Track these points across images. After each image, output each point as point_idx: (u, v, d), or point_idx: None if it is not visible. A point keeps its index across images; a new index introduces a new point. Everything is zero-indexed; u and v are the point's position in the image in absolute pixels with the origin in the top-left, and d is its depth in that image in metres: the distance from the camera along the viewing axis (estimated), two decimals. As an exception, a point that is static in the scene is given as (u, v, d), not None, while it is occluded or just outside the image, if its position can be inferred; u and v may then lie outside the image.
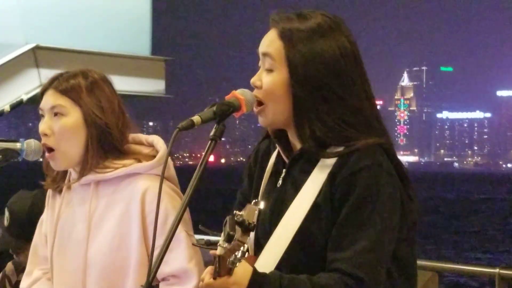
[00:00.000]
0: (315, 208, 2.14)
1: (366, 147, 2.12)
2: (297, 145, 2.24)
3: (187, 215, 2.58)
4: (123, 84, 11.92)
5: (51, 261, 2.66)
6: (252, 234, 2.30)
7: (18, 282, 3.50)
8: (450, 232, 41.01)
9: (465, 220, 48.80)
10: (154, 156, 2.60)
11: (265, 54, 2.21)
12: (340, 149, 2.14)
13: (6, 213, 3.40)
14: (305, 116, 2.16)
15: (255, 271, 1.99)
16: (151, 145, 2.66)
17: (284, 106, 2.19)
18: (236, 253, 1.85)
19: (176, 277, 2.54)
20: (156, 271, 1.95)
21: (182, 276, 2.52)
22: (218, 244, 1.87)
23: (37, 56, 10.99)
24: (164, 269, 2.50)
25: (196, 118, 2.03)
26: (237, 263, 1.88)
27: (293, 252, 2.14)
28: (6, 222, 3.45)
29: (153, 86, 12.35)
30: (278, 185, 2.27)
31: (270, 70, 2.20)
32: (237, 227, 1.84)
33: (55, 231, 2.66)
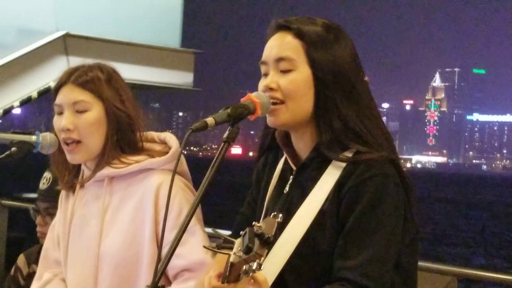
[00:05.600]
0: (321, 215, 2.12)
1: (375, 159, 2.11)
2: (303, 152, 2.23)
3: (199, 212, 2.56)
4: (151, 75, 12.01)
5: (65, 258, 2.66)
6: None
7: (29, 274, 3.50)
8: (481, 235, 40.72)
9: (495, 224, 48.41)
10: (167, 153, 2.59)
11: (281, 59, 2.19)
12: (351, 154, 2.12)
13: (48, 174, 3.37)
14: (326, 111, 2.15)
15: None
16: (163, 142, 2.65)
17: (305, 104, 2.17)
18: (251, 264, 1.81)
19: (191, 270, 2.48)
20: (164, 270, 1.90)
21: (199, 269, 2.46)
22: (233, 252, 1.85)
23: (67, 43, 11.02)
24: (178, 263, 2.47)
25: (210, 120, 2.00)
26: (251, 273, 1.83)
27: (297, 259, 2.13)
28: (46, 184, 3.41)
29: (182, 78, 12.33)
30: (284, 192, 2.26)
31: (288, 71, 2.18)
32: (256, 239, 1.81)
33: (69, 229, 2.66)
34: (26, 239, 7.92)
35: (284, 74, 2.18)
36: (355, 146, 2.13)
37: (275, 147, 2.34)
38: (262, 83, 2.21)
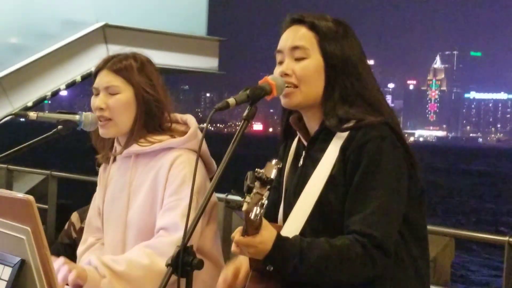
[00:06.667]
0: (331, 179, 2.15)
1: (372, 123, 2.14)
2: (313, 129, 2.26)
3: (202, 184, 2.56)
4: (180, 60, 12.03)
5: (102, 225, 2.73)
6: (281, 211, 2.33)
7: (81, 228, 3.55)
8: (472, 201, 40.56)
9: (484, 192, 48.19)
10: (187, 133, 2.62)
11: (296, 47, 2.22)
12: (351, 124, 2.15)
13: None
14: (333, 93, 2.18)
15: (279, 234, 2.02)
16: (185, 123, 2.68)
17: (316, 88, 2.20)
18: (256, 208, 1.84)
19: (165, 229, 2.50)
20: (191, 234, 1.89)
21: (170, 228, 2.48)
22: (243, 200, 1.86)
23: (106, 33, 11.06)
24: (159, 222, 2.51)
25: (231, 100, 2.02)
26: (259, 215, 1.87)
27: (314, 219, 2.15)
28: None
29: (208, 63, 12.37)
30: (299, 165, 2.29)
31: (302, 58, 2.21)
32: (256, 181, 1.84)
33: (104, 201, 2.72)
34: (73, 205, 8.00)
35: (298, 61, 2.21)
36: (354, 114, 2.16)
37: (292, 133, 2.37)
38: (278, 70, 2.24)
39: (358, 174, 2.10)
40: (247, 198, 1.83)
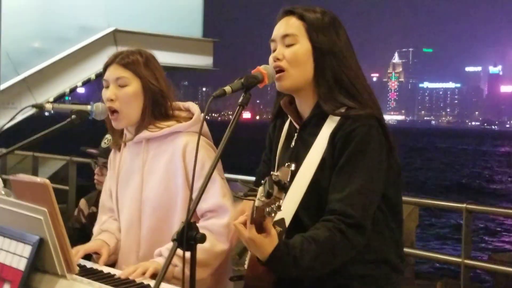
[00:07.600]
0: (323, 162, 2.02)
1: (361, 114, 2.01)
2: (305, 112, 2.13)
3: (220, 165, 2.44)
4: (179, 59, 11.98)
5: (116, 205, 2.57)
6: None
7: (89, 214, 3.40)
8: (429, 174, 40.71)
9: (439, 164, 48.37)
10: (190, 118, 2.48)
11: (286, 35, 2.09)
12: (343, 110, 2.03)
13: (109, 137, 3.20)
14: (323, 75, 2.06)
15: (276, 246, 1.85)
16: (187, 109, 2.53)
17: (305, 71, 2.06)
18: (272, 206, 1.70)
19: (212, 211, 2.37)
20: (194, 210, 1.77)
21: (218, 210, 2.35)
22: (257, 198, 1.72)
23: (116, 37, 11.00)
24: (202, 206, 2.36)
25: (227, 88, 1.89)
26: (273, 214, 1.72)
27: (307, 199, 2.02)
28: (106, 144, 3.27)
29: (203, 61, 12.36)
30: (291, 146, 2.15)
31: (292, 45, 2.08)
32: (274, 186, 1.69)
33: (117, 181, 2.55)
34: (90, 186, 7.83)
35: (289, 47, 2.09)
36: (346, 101, 2.03)
37: (282, 114, 2.25)
38: (271, 56, 2.12)
39: (344, 156, 1.97)
40: (261, 197, 1.69)
